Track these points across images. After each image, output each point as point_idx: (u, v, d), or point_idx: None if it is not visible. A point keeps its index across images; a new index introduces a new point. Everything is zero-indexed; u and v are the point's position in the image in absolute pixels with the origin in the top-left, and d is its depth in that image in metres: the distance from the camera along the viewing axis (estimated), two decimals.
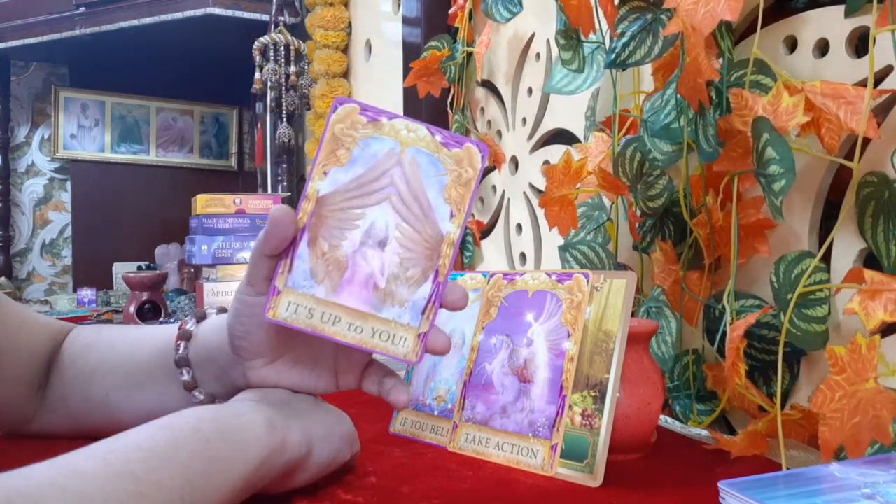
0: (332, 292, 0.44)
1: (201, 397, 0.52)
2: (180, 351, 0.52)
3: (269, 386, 0.49)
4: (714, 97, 0.59)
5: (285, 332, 0.47)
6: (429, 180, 0.45)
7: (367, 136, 0.45)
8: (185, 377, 0.52)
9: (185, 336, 0.53)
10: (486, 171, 1.13)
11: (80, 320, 1.67)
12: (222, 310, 0.56)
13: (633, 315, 0.59)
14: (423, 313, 0.45)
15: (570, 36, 0.75)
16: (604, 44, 0.78)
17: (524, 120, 1.07)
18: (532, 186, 1.06)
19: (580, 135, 0.93)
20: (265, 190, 2.07)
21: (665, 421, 0.68)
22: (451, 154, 0.45)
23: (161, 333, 0.56)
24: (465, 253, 1.22)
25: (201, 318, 0.55)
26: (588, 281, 0.56)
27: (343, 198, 0.45)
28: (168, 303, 1.49)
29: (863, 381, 0.46)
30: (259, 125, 2.09)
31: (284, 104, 1.93)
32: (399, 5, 1.51)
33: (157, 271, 1.67)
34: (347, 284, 0.45)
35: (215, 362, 0.51)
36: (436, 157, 0.45)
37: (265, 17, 2.02)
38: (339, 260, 0.45)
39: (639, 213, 0.71)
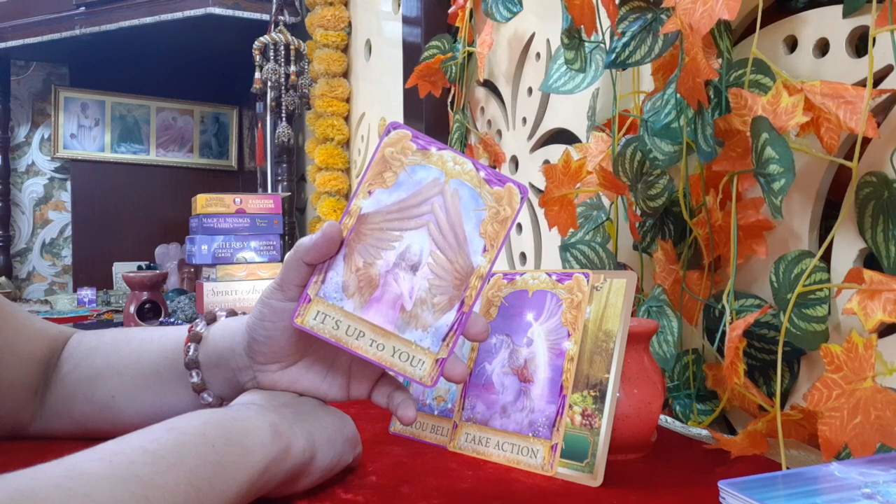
0: (361, 308, 0.46)
1: (210, 399, 0.52)
2: (190, 353, 0.52)
3: (280, 389, 0.49)
4: (713, 97, 0.59)
5: (305, 339, 0.48)
6: (467, 213, 0.46)
7: (415, 162, 0.46)
8: (195, 379, 0.52)
9: (196, 338, 0.53)
10: None
11: (80, 320, 1.67)
12: (231, 312, 0.56)
13: (633, 315, 0.59)
14: (443, 340, 0.46)
15: (574, 35, 0.75)
16: (603, 44, 0.78)
17: (524, 120, 1.07)
18: (532, 186, 1.06)
19: (580, 135, 0.93)
20: (265, 190, 2.07)
21: (665, 421, 0.68)
22: (493, 192, 0.47)
23: (168, 335, 0.56)
24: None
25: (211, 320, 0.55)
26: (588, 280, 0.56)
27: (384, 218, 0.46)
28: (168, 303, 1.49)
29: (860, 379, 0.46)
30: (259, 125, 2.09)
31: (284, 104, 1.93)
32: (399, 5, 1.51)
33: (157, 271, 1.67)
34: (376, 302, 0.46)
35: (226, 365, 0.51)
36: (477, 191, 0.47)
37: (265, 17, 2.02)
38: (372, 277, 0.46)
39: (639, 212, 0.71)
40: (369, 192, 0.46)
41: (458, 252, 0.46)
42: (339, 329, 0.45)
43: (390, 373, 0.49)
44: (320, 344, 0.47)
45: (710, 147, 0.58)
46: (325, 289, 0.46)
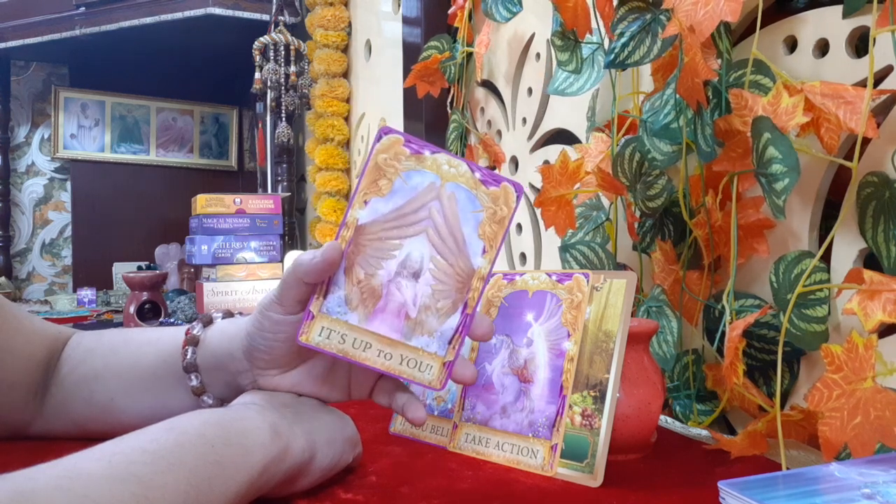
0: (365, 319, 0.46)
1: (210, 402, 0.52)
2: (188, 356, 0.52)
3: (281, 392, 0.49)
4: (712, 97, 0.59)
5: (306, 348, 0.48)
6: (465, 216, 0.46)
7: (409, 168, 0.46)
8: (194, 382, 0.52)
9: (193, 341, 0.53)
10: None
11: (79, 320, 1.67)
12: (228, 314, 0.56)
13: (632, 315, 0.59)
14: (449, 343, 0.46)
15: (567, 37, 0.75)
16: (602, 44, 0.78)
17: (524, 120, 1.07)
18: (532, 186, 1.06)
19: (580, 135, 0.93)
20: (265, 190, 2.07)
21: (665, 421, 0.68)
22: (489, 192, 0.46)
23: (166, 337, 0.56)
24: None
25: (208, 322, 0.55)
26: (588, 281, 0.56)
27: (381, 228, 0.46)
28: (168, 303, 1.49)
29: (860, 380, 0.46)
30: (259, 125, 2.09)
31: (284, 104, 1.93)
32: (399, 5, 1.51)
33: (157, 271, 1.67)
34: (380, 313, 0.46)
35: (224, 368, 0.51)
36: (474, 193, 0.46)
37: (265, 17, 2.02)
38: (374, 288, 0.46)
39: (638, 213, 0.71)
40: (365, 202, 0.46)
41: (459, 255, 0.46)
42: (345, 343, 0.45)
43: (399, 380, 0.49)
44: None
45: (710, 147, 0.58)
46: (328, 304, 0.45)
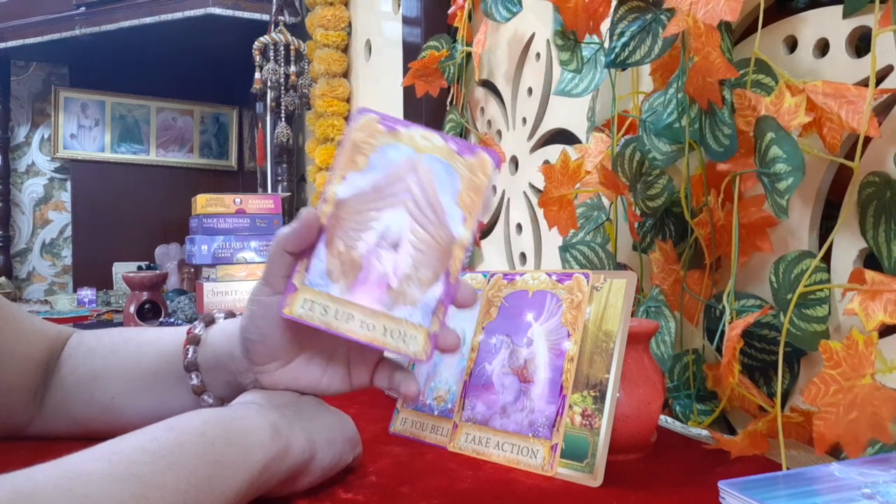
0: (347, 291, 0.46)
1: (211, 401, 0.52)
2: (189, 355, 0.52)
3: (282, 389, 0.49)
4: (724, 96, 0.59)
5: (299, 333, 0.47)
6: (442, 186, 0.46)
7: (385, 143, 0.46)
8: (195, 381, 0.52)
9: (194, 340, 0.53)
10: None
11: (79, 320, 1.67)
12: (230, 314, 0.56)
13: (632, 315, 0.59)
14: (433, 313, 0.46)
15: (568, 37, 0.75)
16: (603, 45, 0.78)
17: (524, 120, 1.07)
18: (532, 186, 1.06)
19: (580, 135, 0.93)
20: (265, 190, 2.07)
21: (665, 421, 0.68)
22: (465, 161, 0.46)
23: (166, 337, 0.55)
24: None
25: (209, 322, 0.55)
26: (588, 281, 0.56)
27: (360, 201, 0.46)
28: (168, 303, 1.49)
29: (859, 376, 0.46)
30: (259, 125, 2.09)
31: (284, 104, 1.93)
32: (399, 5, 1.51)
33: (157, 271, 1.67)
34: (361, 284, 0.46)
35: (225, 367, 0.51)
36: (450, 164, 0.46)
37: (265, 17, 2.02)
38: (354, 260, 0.46)
39: (638, 212, 0.71)
40: (343, 178, 0.46)
41: (438, 225, 0.46)
42: (327, 314, 0.45)
43: (386, 354, 0.49)
44: (316, 337, 0.47)
45: (723, 147, 0.58)
46: (310, 276, 0.46)
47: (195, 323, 0.54)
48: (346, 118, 1.94)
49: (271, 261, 0.46)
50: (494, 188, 0.49)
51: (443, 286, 0.46)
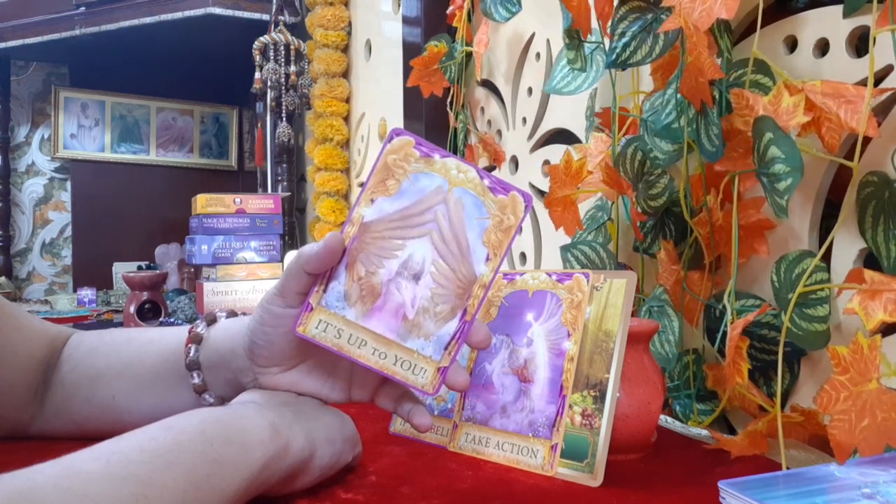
0: (363, 316, 0.46)
1: (211, 400, 0.52)
2: (191, 354, 0.52)
3: (281, 390, 0.49)
4: (717, 97, 0.59)
5: (306, 344, 0.48)
6: (471, 222, 0.46)
7: (418, 170, 0.46)
8: (196, 380, 0.52)
9: (196, 339, 0.53)
10: (488, 170, 1.14)
11: (80, 320, 1.67)
12: (232, 313, 0.56)
13: (633, 315, 0.59)
14: (445, 348, 0.46)
15: (573, 35, 0.75)
16: (602, 44, 0.78)
17: (524, 119, 1.07)
18: (532, 186, 1.06)
19: (580, 135, 0.93)
20: (265, 190, 2.07)
21: (665, 421, 0.68)
22: (496, 200, 0.46)
23: (168, 336, 0.56)
24: None
25: (212, 321, 0.55)
26: (588, 280, 0.56)
27: (386, 227, 0.46)
28: (168, 303, 1.49)
29: (866, 381, 0.45)
30: (259, 125, 2.09)
31: (284, 104, 1.93)
32: (399, 5, 1.51)
33: (157, 271, 1.67)
34: (378, 311, 0.46)
35: (226, 366, 0.51)
36: (481, 200, 0.46)
37: (265, 17, 2.02)
38: (374, 286, 0.46)
39: (640, 212, 0.71)
40: (372, 200, 0.46)
41: (461, 261, 0.46)
42: (340, 338, 0.45)
43: (393, 380, 0.49)
44: (322, 350, 0.47)
45: (715, 147, 0.58)
46: (327, 298, 0.45)
47: (197, 322, 0.54)
48: (346, 118, 1.94)
49: (289, 275, 0.46)
50: (521, 229, 0.48)
51: (458, 323, 0.46)
